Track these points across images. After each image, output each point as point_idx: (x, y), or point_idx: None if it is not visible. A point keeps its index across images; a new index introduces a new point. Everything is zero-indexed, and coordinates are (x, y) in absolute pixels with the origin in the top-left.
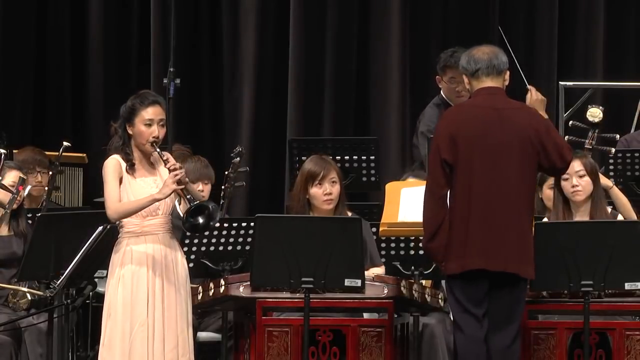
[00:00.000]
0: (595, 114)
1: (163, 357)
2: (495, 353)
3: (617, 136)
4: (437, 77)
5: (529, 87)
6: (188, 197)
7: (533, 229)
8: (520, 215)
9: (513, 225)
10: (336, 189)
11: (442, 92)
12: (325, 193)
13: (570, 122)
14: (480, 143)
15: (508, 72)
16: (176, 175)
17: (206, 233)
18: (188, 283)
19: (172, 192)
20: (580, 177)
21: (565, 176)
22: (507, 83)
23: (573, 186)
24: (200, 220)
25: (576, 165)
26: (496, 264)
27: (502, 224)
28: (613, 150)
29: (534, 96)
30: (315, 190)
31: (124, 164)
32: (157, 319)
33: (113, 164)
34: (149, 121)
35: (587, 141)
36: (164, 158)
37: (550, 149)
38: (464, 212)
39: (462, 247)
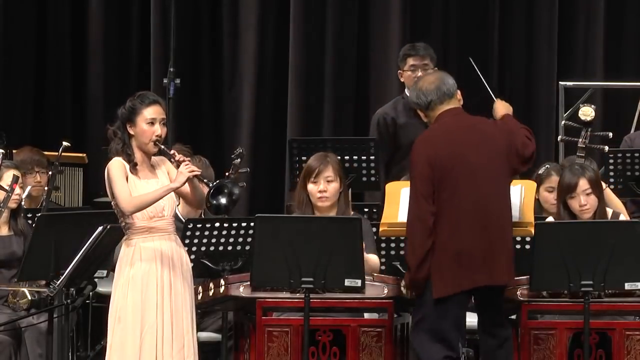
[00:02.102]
0: (587, 112)
1: (172, 358)
2: (495, 348)
3: (610, 134)
4: (398, 72)
5: (495, 99)
6: (205, 180)
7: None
8: (506, 226)
9: (503, 240)
10: (332, 187)
11: (405, 91)
12: (319, 190)
13: (563, 122)
14: (460, 161)
15: (459, 92)
16: (187, 164)
17: (206, 233)
18: (192, 284)
19: (186, 181)
20: (587, 195)
21: (572, 195)
22: (461, 102)
23: (581, 205)
24: (222, 200)
25: (582, 184)
26: (495, 279)
27: (492, 237)
28: (606, 148)
29: (501, 107)
30: (310, 187)
31: (127, 165)
32: (166, 320)
33: (118, 164)
34: (152, 120)
35: (580, 140)
36: (171, 152)
37: (514, 141)
38: (455, 232)
39: (458, 265)
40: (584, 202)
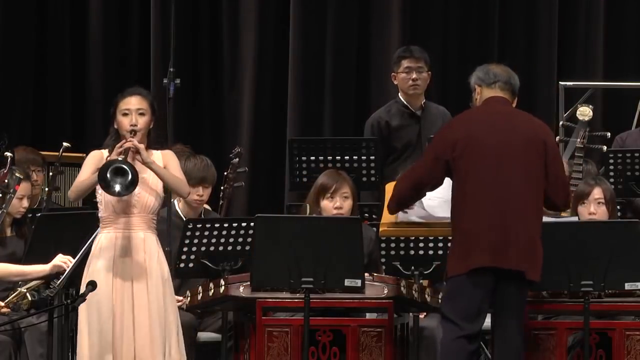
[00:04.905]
0: (585, 112)
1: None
2: (502, 349)
3: (608, 134)
4: (392, 74)
5: None
6: (121, 157)
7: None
8: (528, 215)
9: (521, 226)
10: (347, 204)
11: (399, 95)
12: (335, 207)
13: (561, 123)
14: (483, 144)
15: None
16: (121, 146)
17: (206, 233)
18: (166, 286)
19: (115, 155)
20: (599, 204)
21: (584, 201)
22: (514, 106)
23: (590, 213)
24: (117, 187)
25: (596, 193)
26: (504, 262)
27: (509, 224)
28: (605, 148)
29: None
30: (326, 203)
31: (106, 154)
32: (126, 319)
33: (93, 155)
34: (126, 110)
35: (578, 140)
36: (119, 143)
37: (550, 171)
38: (464, 213)
39: (470, 246)
40: (593, 210)
